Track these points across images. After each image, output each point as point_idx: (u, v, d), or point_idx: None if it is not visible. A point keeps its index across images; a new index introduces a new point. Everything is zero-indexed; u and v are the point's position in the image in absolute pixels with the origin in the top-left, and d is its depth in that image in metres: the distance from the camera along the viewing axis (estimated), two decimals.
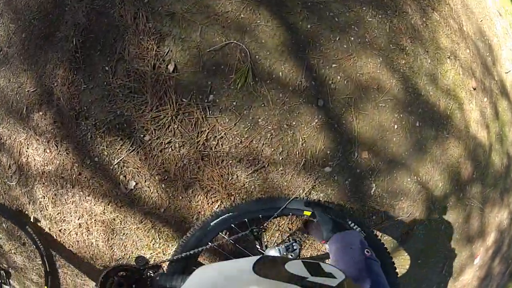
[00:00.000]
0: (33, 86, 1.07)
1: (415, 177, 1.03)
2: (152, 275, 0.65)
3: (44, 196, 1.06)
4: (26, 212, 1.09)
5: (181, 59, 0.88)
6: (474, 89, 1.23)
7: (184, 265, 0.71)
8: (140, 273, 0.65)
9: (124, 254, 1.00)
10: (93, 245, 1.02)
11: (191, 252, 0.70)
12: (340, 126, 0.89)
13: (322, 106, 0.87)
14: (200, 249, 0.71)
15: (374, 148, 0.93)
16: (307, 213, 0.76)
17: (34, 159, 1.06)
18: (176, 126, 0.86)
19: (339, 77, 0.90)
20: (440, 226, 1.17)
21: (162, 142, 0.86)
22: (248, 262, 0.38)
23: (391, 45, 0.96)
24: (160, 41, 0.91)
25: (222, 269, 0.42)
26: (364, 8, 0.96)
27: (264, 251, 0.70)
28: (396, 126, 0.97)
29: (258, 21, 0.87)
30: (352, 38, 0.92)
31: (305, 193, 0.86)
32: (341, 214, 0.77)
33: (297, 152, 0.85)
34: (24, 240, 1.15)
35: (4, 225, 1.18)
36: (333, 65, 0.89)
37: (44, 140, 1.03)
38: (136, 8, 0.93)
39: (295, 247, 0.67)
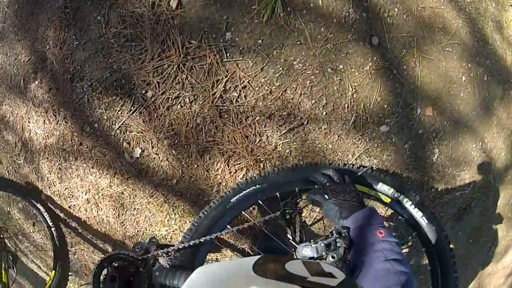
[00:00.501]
0: (27, 55, 0.75)
1: (480, 143, 0.66)
2: (154, 266, 0.39)
3: (50, 172, 0.78)
4: (37, 190, 0.83)
5: None
6: None
7: (193, 256, 0.43)
8: (137, 264, 0.38)
9: (138, 231, 0.72)
10: (104, 221, 0.75)
11: (202, 239, 0.42)
12: (400, 72, 0.52)
13: (377, 45, 0.50)
14: (214, 235, 0.43)
15: (440, 104, 0.56)
16: (359, 187, 0.46)
17: (36, 133, 0.76)
18: (184, 76, 0.53)
19: (396, 9, 0.54)
20: (496, 202, 0.83)
21: (168, 98, 0.54)
22: (248, 262, 0.29)
23: None
24: None
25: (221, 269, 0.32)
26: None
27: (297, 243, 0.42)
28: (464, 78, 0.60)
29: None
30: None
31: (355, 159, 0.53)
32: (400, 188, 0.46)
33: (346, 105, 0.50)
34: (39, 218, 0.91)
35: (20, 205, 0.93)
36: None
37: (43, 111, 0.73)
38: None
39: (338, 245, 0.37)
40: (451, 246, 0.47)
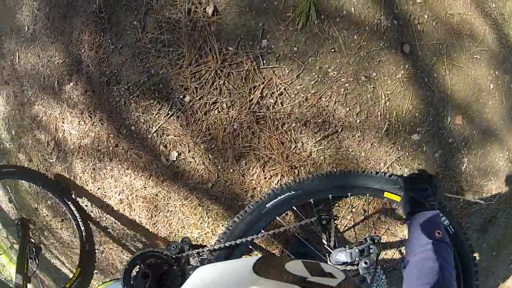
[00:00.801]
0: (61, 57, 0.76)
1: (507, 153, 0.65)
2: (186, 265, 0.40)
3: (83, 171, 0.79)
4: (68, 189, 0.85)
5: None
6: None
7: (227, 258, 0.44)
8: (171, 262, 0.39)
9: (170, 233, 0.74)
10: (137, 221, 0.76)
11: (238, 241, 0.43)
12: (431, 80, 0.52)
13: (409, 52, 0.51)
14: (249, 238, 0.44)
15: (469, 112, 0.56)
16: (390, 195, 0.46)
17: (70, 133, 0.78)
18: (222, 82, 0.54)
19: (426, 16, 0.53)
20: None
21: (206, 103, 0.55)
22: (248, 262, 0.29)
23: None
24: None
25: (222, 269, 0.32)
26: None
27: (331, 249, 0.42)
28: (491, 86, 0.59)
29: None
30: None
31: (387, 167, 0.53)
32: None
33: (379, 113, 0.50)
34: (68, 216, 0.93)
35: (49, 202, 0.95)
36: (418, 1, 0.50)
37: (78, 112, 0.74)
38: None
39: (371, 251, 0.37)
40: (475, 255, 0.47)
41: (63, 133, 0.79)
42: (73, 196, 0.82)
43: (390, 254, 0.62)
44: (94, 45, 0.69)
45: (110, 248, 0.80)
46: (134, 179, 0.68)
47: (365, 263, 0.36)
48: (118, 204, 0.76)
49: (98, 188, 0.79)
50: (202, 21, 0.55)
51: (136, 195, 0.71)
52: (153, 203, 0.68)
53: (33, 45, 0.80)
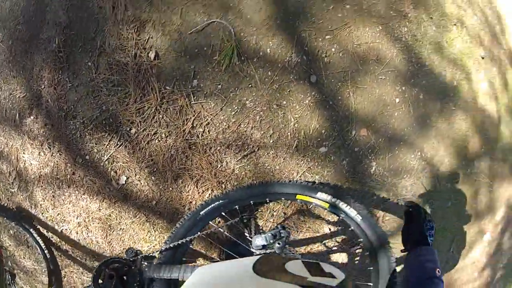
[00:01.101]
0: (23, 91, 1.04)
1: (419, 153, 0.91)
2: (143, 265, 0.60)
3: (43, 199, 1.03)
4: (30, 216, 1.07)
5: (162, 45, 0.81)
6: (483, 58, 1.09)
7: (173, 255, 0.65)
8: (129, 264, 0.60)
9: (123, 249, 0.96)
10: (93, 242, 0.98)
11: (180, 242, 0.64)
12: (336, 102, 0.78)
13: (315, 82, 0.77)
14: (188, 238, 0.65)
15: (374, 124, 0.82)
16: (302, 197, 0.68)
17: (31, 164, 1.02)
18: (161, 116, 0.79)
19: (333, 50, 0.80)
20: (446, 203, 1.05)
21: (148, 134, 0.80)
22: (248, 262, 0.36)
23: (391, 12, 0.84)
24: (140, 28, 0.83)
25: (222, 269, 0.40)
26: None
27: (251, 238, 0.64)
28: (398, 100, 0.86)
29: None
30: (348, 6, 0.81)
31: (299, 176, 0.77)
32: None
33: (289, 134, 0.76)
34: (31, 243, 1.14)
35: (11, 232, 1.17)
36: (327, 37, 0.78)
37: (38, 144, 1.00)
38: None
39: (282, 235, 0.59)
40: (383, 231, 0.67)
41: (24, 163, 1.04)
42: (33, 223, 1.03)
43: (315, 248, 0.84)
44: (53, 82, 0.96)
45: (71, 271, 1.01)
46: (90, 202, 0.91)
47: (278, 243, 0.58)
48: (77, 227, 0.98)
49: (58, 214, 1.02)
50: (145, 64, 0.82)
51: (92, 217, 0.93)
52: (107, 223, 0.90)
53: None
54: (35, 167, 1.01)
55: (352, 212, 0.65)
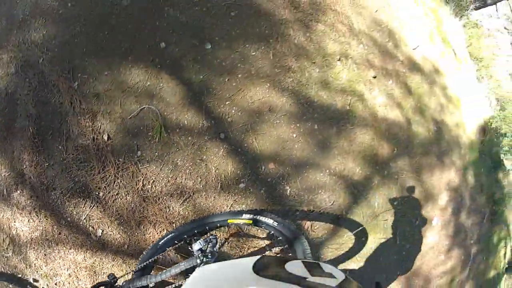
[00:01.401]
0: (7, 171, 1.60)
1: (327, 171, 1.49)
2: (122, 283, 1.11)
3: (36, 258, 1.57)
4: (25, 276, 1.59)
5: (111, 128, 1.37)
6: (375, 77, 1.64)
7: (143, 272, 1.22)
8: (112, 283, 1.10)
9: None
10: None
11: (146, 263, 1.21)
12: (243, 149, 1.38)
13: (224, 138, 1.38)
14: (152, 259, 1.22)
15: (279, 158, 1.40)
16: (232, 220, 1.20)
17: (22, 230, 1.57)
18: (119, 180, 1.34)
19: (233, 111, 1.38)
20: (373, 204, 1.58)
21: (112, 195, 1.35)
22: (248, 262, 0.44)
23: (276, 69, 1.42)
24: (93, 118, 1.40)
25: (222, 270, 0.49)
26: (247, 46, 1.42)
27: (192, 248, 1.15)
28: (295, 135, 1.42)
29: (161, 84, 1.37)
30: (240, 75, 1.38)
31: (229, 208, 1.32)
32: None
33: (213, 179, 1.33)
34: None
35: None
36: (227, 103, 1.37)
37: (27, 213, 1.54)
38: (70, 94, 1.43)
39: (212, 239, 1.10)
40: (295, 226, 1.18)
41: (16, 230, 1.58)
42: (31, 281, 1.55)
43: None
44: (32, 163, 1.51)
45: None
46: (76, 255, 1.44)
47: (210, 247, 1.08)
48: (68, 278, 1.51)
49: (50, 269, 1.55)
50: (102, 144, 1.37)
51: (79, 267, 1.46)
52: (92, 270, 1.43)
53: None
54: (26, 232, 1.55)
55: (269, 221, 1.21)
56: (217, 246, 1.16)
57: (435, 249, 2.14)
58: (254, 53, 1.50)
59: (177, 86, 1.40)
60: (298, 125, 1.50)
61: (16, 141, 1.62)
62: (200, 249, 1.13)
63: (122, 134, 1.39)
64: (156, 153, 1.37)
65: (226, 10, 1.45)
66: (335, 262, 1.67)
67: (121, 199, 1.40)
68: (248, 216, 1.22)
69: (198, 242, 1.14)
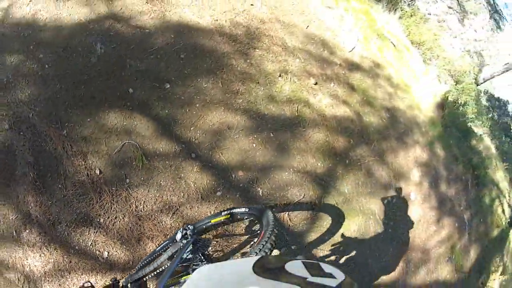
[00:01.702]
0: (14, 214, 1.97)
1: (291, 170, 1.96)
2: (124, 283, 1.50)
3: None
4: None
5: (101, 164, 1.76)
6: (316, 83, 2.08)
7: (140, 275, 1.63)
8: (115, 285, 1.47)
9: None
10: None
11: (144, 263, 1.59)
12: (213, 163, 1.81)
13: (195, 157, 1.81)
14: (149, 259, 1.57)
15: (245, 166, 1.84)
16: (214, 220, 1.60)
17: (35, 265, 1.93)
18: (115, 206, 1.72)
19: (198, 134, 1.82)
20: (343, 191, 2.02)
21: (111, 219, 1.73)
22: (248, 262, 0.48)
23: (226, 95, 1.87)
24: (85, 157, 1.78)
25: (222, 270, 0.52)
26: (198, 80, 1.87)
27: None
28: (254, 144, 1.86)
29: (135, 122, 1.81)
30: (197, 105, 1.83)
31: (212, 213, 1.71)
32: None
33: (193, 192, 1.73)
34: None
35: None
36: (192, 128, 1.80)
37: (37, 248, 1.91)
38: (61, 141, 1.82)
39: (189, 233, 1.47)
40: (262, 206, 1.59)
41: (29, 267, 1.94)
42: None
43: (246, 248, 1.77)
44: (37, 203, 1.90)
45: None
46: (88, 279, 1.79)
47: (185, 238, 1.48)
48: None
49: None
50: (96, 178, 1.77)
51: None
52: None
53: None
54: (39, 267, 1.92)
55: (241, 209, 1.63)
56: (209, 248, 1.55)
57: (423, 222, 2.59)
58: (206, 85, 1.98)
59: (148, 122, 1.89)
60: (255, 136, 1.95)
61: (19, 187, 2.00)
62: (181, 236, 1.47)
63: (111, 167, 1.86)
64: (142, 178, 1.84)
65: (176, 54, 1.97)
66: (319, 245, 2.06)
67: (119, 221, 1.84)
68: (225, 212, 1.65)
69: (178, 231, 1.49)
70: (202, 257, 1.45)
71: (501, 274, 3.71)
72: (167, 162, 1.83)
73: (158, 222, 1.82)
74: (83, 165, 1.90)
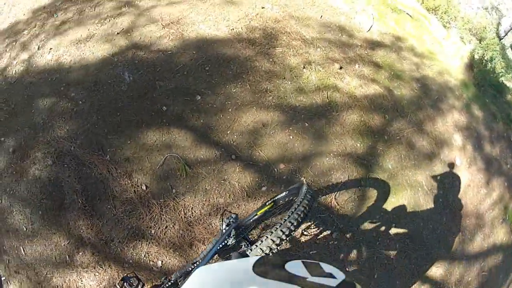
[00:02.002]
0: (66, 240, 2.18)
1: (331, 154, 2.05)
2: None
3: None
4: None
5: (147, 179, 1.94)
6: (341, 68, 2.19)
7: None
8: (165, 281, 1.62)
9: None
10: None
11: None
12: (254, 161, 1.93)
13: (236, 158, 1.93)
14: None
15: (285, 158, 1.95)
16: (260, 211, 1.72)
17: (90, 285, 2.13)
18: (164, 216, 1.89)
19: (235, 137, 1.95)
20: (386, 167, 2.12)
21: (162, 229, 1.90)
22: (248, 262, 0.50)
23: (256, 95, 2.00)
24: (130, 176, 1.97)
25: (222, 270, 0.55)
26: (227, 86, 2.01)
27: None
28: (291, 136, 1.97)
29: (174, 136, 1.98)
30: (230, 110, 1.97)
31: (258, 207, 1.84)
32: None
33: (238, 191, 1.87)
34: None
35: None
36: (228, 132, 1.95)
37: (91, 268, 2.11)
38: (106, 166, 2.03)
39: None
40: (300, 184, 1.72)
41: (84, 287, 2.13)
42: None
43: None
44: (89, 226, 2.10)
45: None
46: (133, 271, 1.98)
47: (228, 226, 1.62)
48: None
49: None
50: (143, 193, 1.97)
51: None
52: None
53: (36, 239, 2.21)
54: (94, 285, 2.11)
55: (282, 194, 1.72)
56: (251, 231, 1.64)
57: (472, 186, 2.60)
58: (234, 90, 2.11)
59: (186, 133, 2.02)
60: (291, 128, 2.05)
61: (69, 214, 2.20)
62: (225, 225, 1.51)
63: (156, 180, 1.99)
64: (187, 186, 1.96)
65: (201, 68, 2.11)
66: (370, 224, 2.14)
67: (170, 230, 1.96)
68: (269, 202, 1.72)
69: (222, 222, 1.54)
70: (248, 242, 1.54)
71: None
72: (209, 167, 1.96)
73: (208, 225, 1.92)
74: (129, 184, 2.03)
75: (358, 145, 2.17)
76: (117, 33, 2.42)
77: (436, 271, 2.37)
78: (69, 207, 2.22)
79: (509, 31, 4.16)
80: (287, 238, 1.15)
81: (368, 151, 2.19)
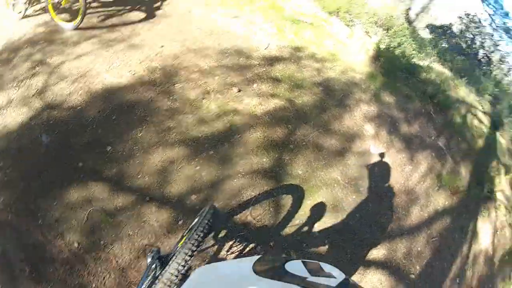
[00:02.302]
0: None
1: (238, 175, 2.21)
2: None
3: None
4: None
5: (77, 237, 2.16)
6: (240, 90, 2.41)
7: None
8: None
9: None
10: None
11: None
12: (167, 198, 2.12)
13: (150, 199, 2.14)
14: None
15: (195, 189, 2.16)
16: (181, 242, 1.89)
17: None
18: (99, 267, 2.09)
19: (147, 178, 2.17)
20: (296, 174, 2.28)
21: (101, 281, 2.09)
22: (248, 262, 0.52)
23: (160, 134, 2.26)
24: (62, 236, 2.18)
25: (222, 269, 0.57)
26: (133, 131, 2.26)
27: None
28: (198, 167, 2.18)
29: (93, 189, 2.19)
30: (138, 154, 2.21)
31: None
32: None
33: (158, 229, 2.08)
34: None
35: None
36: (139, 176, 2.16)
37: None
38: (39, 230, 2.21)
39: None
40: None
41: None
42: None
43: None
44: None
45: None
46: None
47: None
48: None
49: None
50: (76, 251, 2.15)
51: None
52: None
53: None
54: None
55: (194, 222, 1.84)
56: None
57: (395, 166, 2.73)
58: (140, 134, 2.32)
59: (103, 185, 2.20)
60: (196, 159, 2.24)
61: (21, 285, 2.37)
62: (151, 260, 1.55)
63: (85, 236, 2.16)
64: (113, 235, 2.14)
65: (108, 118, 2.31)
66: (291, 230, 2.27)
67: (108, 280, 2.11)
68: (185, 232, 1.87)
69: (147, 256, 1.60)
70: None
71: (506, 174, 3.68)
72: (128, 213, 2.13)
73: (139, 267, 2.07)
74: (63, 244, 2.21)
75: (264, 160, 2.34)
76: (32, 95, 2.60)
77: (378, 252, 2.48)
78: (20, 276, 2.38)
79: (420, 13, 4.41)
80: (192, 257, 1.25)
81: (274, 163, 2.35)
